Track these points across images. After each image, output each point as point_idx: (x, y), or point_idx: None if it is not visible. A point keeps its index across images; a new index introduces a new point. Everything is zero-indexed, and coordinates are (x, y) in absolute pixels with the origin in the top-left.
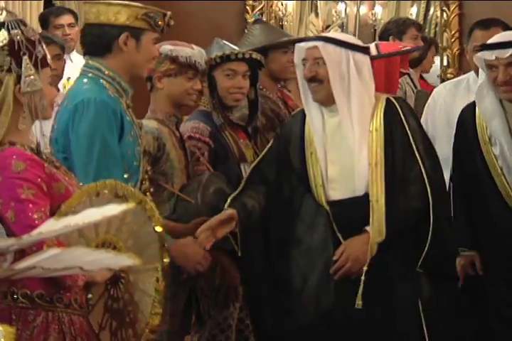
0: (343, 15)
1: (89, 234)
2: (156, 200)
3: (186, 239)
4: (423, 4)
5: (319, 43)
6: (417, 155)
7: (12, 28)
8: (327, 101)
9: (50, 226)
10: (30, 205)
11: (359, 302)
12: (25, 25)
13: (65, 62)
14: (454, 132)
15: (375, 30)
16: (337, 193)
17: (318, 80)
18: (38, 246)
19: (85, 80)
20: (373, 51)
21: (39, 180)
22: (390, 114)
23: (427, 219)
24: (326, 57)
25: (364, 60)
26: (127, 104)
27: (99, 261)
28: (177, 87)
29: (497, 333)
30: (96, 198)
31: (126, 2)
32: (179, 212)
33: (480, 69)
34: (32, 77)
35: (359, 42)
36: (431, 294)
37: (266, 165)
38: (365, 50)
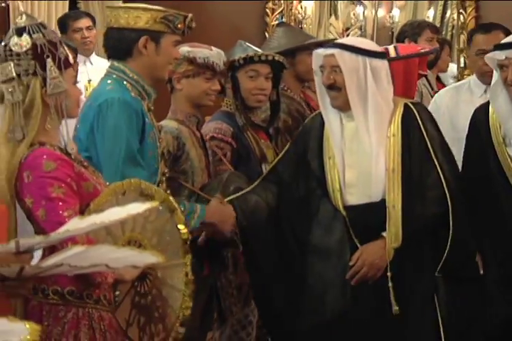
0: (361, 17)
1: (116, 232)
2: (177, 198)
3: (213, 203)
4: (440, 7)
5: (336, 51)
6: (435, 160)
7: (33, 32)
8: (345, 107)
9: (77, 224)
10: (61, 203)
11: (396, 308)
12: (45, 28)
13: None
14: (458, 135)
15: (392, 32)
16: (354, 198)
17: (336, 87)
18: (66, 244)
19: (109, 81)
20: (392, 53)
21: (69, 179)
22: (407, 120)
23: (446, 224)
24: (342, 65)
25: (381, 65)
26: (148, 107)
27: (124, 258)
28: (195, 87)
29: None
30: (122, 197)
31: (145, 6)
32: None
33: (494, 71)
34: (56, 79)
35: (376, 48)
36: (449, 299)
37: (282, 166)
38: (382, 55)
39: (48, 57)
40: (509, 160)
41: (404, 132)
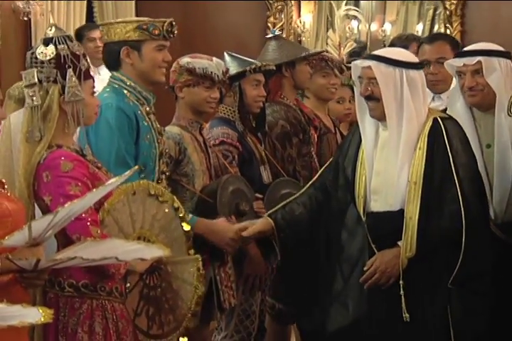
0: (355, 31)
1: (127, 229)
2: (179, 199)
3: (216, 221)
4: (428, 21)
5: (372, 63)
6: (455, 177)
7: (59, 43)
8: (383, 117)
9: (80, 203)
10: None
11: (406, 315)
12: (71, 40)
13: None
14: None
15: (384, 45)
16: (377, 205)
17: (374, 98)
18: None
19: (108, 89)
20: None
21: (85, 178)
22: (434, 135)
23: (460, 238)
24: (378, 77)
25: (418, 76)
26: (147, 111)
27: (133, 252)
28: (196, 96)
29: None
30: (133, 196)
31: (123, 19)
32: (199, 211)
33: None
34: (75, 88)
35: (412, 59)
36: (463, 313)
37: (327, 172)
38: (417, 66)
39: (69, 67)
40: None
41: (429, 146)
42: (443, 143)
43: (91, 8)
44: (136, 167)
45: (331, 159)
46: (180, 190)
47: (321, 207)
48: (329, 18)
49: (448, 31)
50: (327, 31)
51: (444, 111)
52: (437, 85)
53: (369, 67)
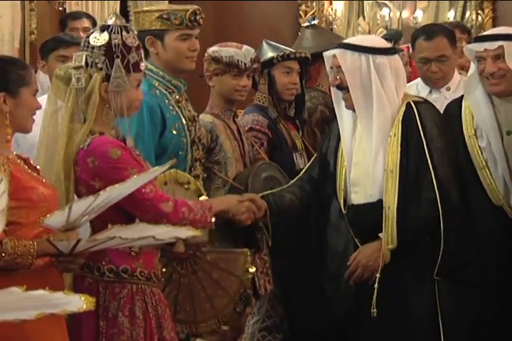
0: (386, 18)
1: None
2: (212, 186)
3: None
4: (460, 8)
5: (337, 51)
6: (430, 162)
7: (114, 33)
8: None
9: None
10: None
11: (373, 310)
12: (128, 32)
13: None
14: None
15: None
16: (357, 197)
17: (344, 88)
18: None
19: None
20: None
21: (135, 161)
22: (407, 120)
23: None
24: (342, 65)
25: (386, 62)
26: (176, 99)
27: (166, 232)
28: (224, 84)
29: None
30: (165, 187)
31: (149, 8)
32: None
33: (471, 62)
34: (120, 78)
35: (380, 44)
36: (451, 304)
37: (314, 165)
38: (387, 51)
39: (117, 57)
40: (480, 151)
41: (403, 132)
42: (416, 128)
43: (126, 9)
44: (175, 159)
45: (316, 154)
46: (213, 178)
47: (310, 198)
48: (361, 5)
49: (479, 17)
50: (358, 19)
51: (461, 98)
52: (438, 83)
53: (335, 56)
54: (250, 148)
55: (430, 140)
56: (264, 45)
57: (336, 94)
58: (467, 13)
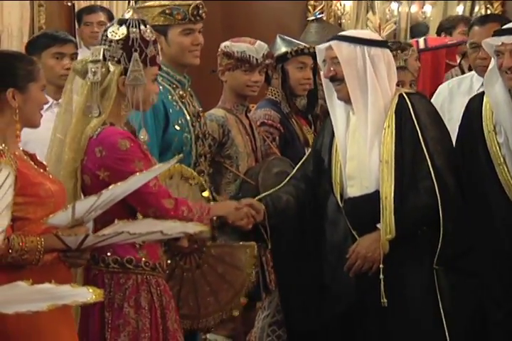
0: (395, 13)
1: None
2: (223, 181)
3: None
4: (469, 3)
5: (333, 42)
6: (425, 151)
7: (132, 26)
8: (349, 99)
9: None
10: None
11: (384, 300)
12: (145, 26)
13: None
14: (454, 127)
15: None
16: (354, 190)
17: (338, 79)
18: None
19: None
20: (421, 45)
21: (143, 154)
22: (401, 111)
23: (438, 216)
24: (339, 56)
25: (381, 53)
26: (180, 94)
27: (174, 227)
28: (236, 79)
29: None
30: (169, 181)
31: (151, 3)
32: (243, 193)
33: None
34: (138, 72)
35: (375, 37)
36: (452, 293)
37: (308, 162)
38: (381, 44)
39: (135, 51)
40: (498, 147)
41: (397, 123)
42: (410, 118)
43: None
44: (181, 155)
45: (309, 150)
46: (224, 172)
47: (306, 196)
48: (369, 0)
49: (488, 12)
50: (367, 13)
51: (482, 93)
52: (486, 71)
53: (330, 47)
54: (262, 142)
55: (424, 129)
56: (278, 39)
57: (328, 87)
58: (476, 8)
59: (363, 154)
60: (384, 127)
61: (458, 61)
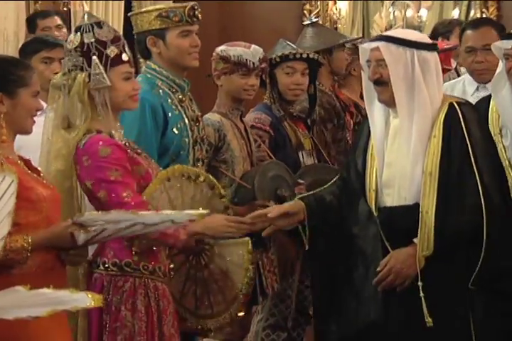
0: (391, 17)
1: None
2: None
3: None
4: (464, 7)
5: (381, 44)
6: (475, 166)
7: (85, 31)
8: (392, 102)
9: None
10: (119, 186)
11: (428, 320)
12: (100, 27)
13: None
14: None
15: (420, 30)
16: (390, 199)
17: (382, 82)
18: None
19: (140, 79)
20: None
21: (124, 162)
22: (450, 121)
23: (481, 234)
24: (387, 58)
25: (431, 57)
26: (179, 98)
27: (184, 214)
28: (233, 83)
29: None
30: (168, 183)
31: (147, 9)
32: (239, 197)
33: (499, 61)
34: (99, 75)
35: (424, 39)
36: (485, 315)
37: (346, 165)
38: (431, 47)
39: (94, 54)
40: (503, 150)
41: (445, 134)
42: (460, 131)
43: (130, 9)
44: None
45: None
46: (220, 177)
47: (348, 198)
48: (365, 4)
49: (484, 16)
50: (363, 18)
51: (489, 96)
52: (483, 74)
53: (377, 49)
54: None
55: (475, 143)
56: (278, 44)
57: (368, 91)
58: (472, 12)
59: (403, 162)
60: (430, 136)
61: (453, 65)
